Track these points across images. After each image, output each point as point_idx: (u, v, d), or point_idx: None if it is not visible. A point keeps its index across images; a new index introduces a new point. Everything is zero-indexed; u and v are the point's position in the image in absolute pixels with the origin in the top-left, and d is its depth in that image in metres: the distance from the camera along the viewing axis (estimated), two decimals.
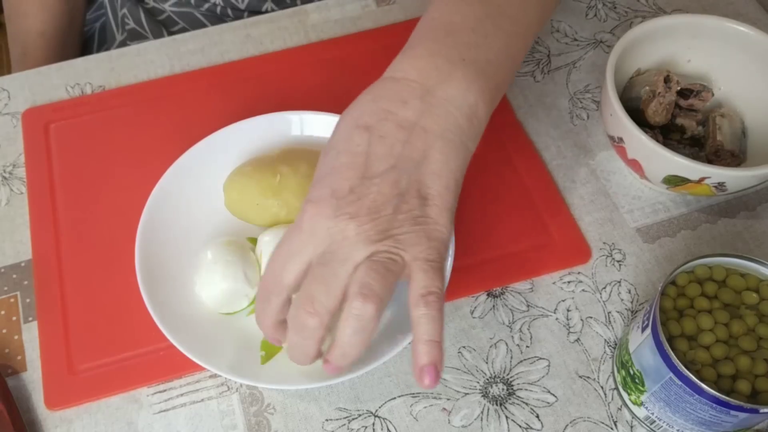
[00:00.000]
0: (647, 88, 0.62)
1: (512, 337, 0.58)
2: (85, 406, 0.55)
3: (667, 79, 0.62)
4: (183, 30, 0.86)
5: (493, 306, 0.59)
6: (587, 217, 0.64)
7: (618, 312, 0.59)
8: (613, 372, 0.56)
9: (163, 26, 0.87)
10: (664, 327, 0.48)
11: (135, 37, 0.87)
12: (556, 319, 0.59)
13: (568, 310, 0.59)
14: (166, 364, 0.56)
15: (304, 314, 0.44)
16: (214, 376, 0.56)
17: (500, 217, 0.63)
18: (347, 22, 0.76)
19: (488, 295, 0.60)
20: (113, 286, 0.60)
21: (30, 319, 0.59)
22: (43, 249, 0.62)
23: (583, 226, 0.63)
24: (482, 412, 0.55)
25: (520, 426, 0.54)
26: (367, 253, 0.43)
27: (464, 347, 0.57)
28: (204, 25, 0.86)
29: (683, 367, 0.45)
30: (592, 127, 0.69)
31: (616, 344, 0.57)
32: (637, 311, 0.59)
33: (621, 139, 0.60)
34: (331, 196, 0.44)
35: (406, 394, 0.55)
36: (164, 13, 0.86)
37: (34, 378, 0.57)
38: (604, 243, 0.62)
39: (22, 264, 0.62)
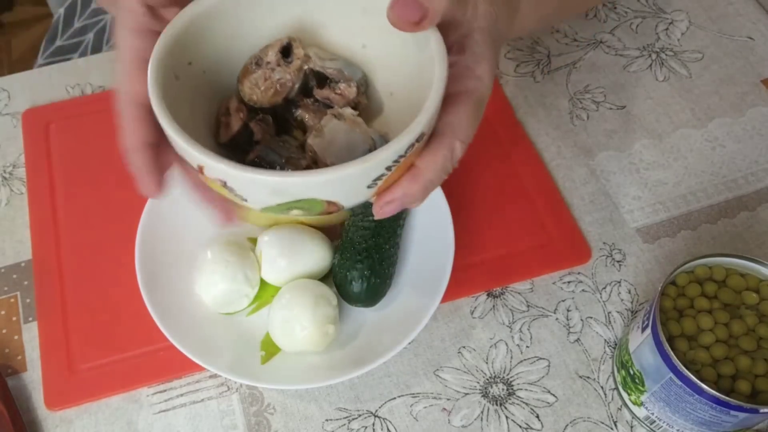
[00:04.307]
0: (257, 53, 0.44)
1: (512, 337, 0.58)
2: (85, 406, 0.55)
3: (287, 50, 0.44)
4: None
5: (493, 306, 0.59)
6: (587, 217, 0.64)
7: (618, 312, 0.59)
8: (613, 372, 0.56)
9: None
10: (664, 327, 0.48)
11: None
12: (556, 319, 0.59)
13: (568, 310, 0.59)
14: (166, 364, 0.56)
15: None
16: (214, 376, 0.56)
17: (500, 217, 0.63)
18: None
19: (488, 295, 0.60)
20: (113, 286, 0.60)
21: (30, 319, 0.59)
22: (43, 249, 0.62)
23: (583, 226, 0.63)
24: (482, 412, 0.55)
25: (520, 426, 0.54)
26: None
27: (464, 347, 0.57)
28: None
29: (683, 367, 0.45)
30: (592, 127, 0.69)
31: (616, 344, 0.57)
32: (637, 311, 0.59)
33: None
34: None
35: (406, 394, 0.55)
36: None
37: (34, 378, 0.57)
38: (604, 243, 0.62)
39: (22, 264, 0.62)
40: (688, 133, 0.68)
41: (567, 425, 0.54)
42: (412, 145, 0.37)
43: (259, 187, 0.37)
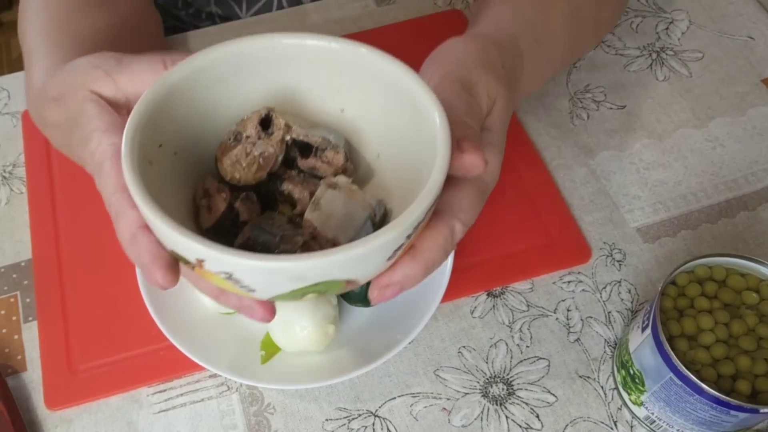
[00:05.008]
0: (234, 127, 0.42)
1: (512, 337, 0.58)
2: (85, 406, 0.55)
3: (266, 122, 0.41)
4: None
5: (493, 306, 0.59)
6: (587, 217, 0.64)
7: (618, 312, 0.59)
8: (613, 372, 0.56)
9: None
10: (664, 327, 0.48)
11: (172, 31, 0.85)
12: (556, 319, 0.59)
13: (568, 310, 0.59)
14: (166, 364, 0.56)
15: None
16: (214, 376, 0.56)
17: (500, 217, 0.63)
18: (347, 22, 0.76)
19: (488, 295, 0.60)
20: (113, 286, 0.60)
21: (30, 319, 0.59)
22: (43, 249, 0.62)
23: (583, 226, 0.63)
24: (482, 412, 0.55)
25: (520, 426, 0.54)
26: None
27: (464, 347, 0.57)
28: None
29: (683, 367, 0.45)
30: (592, 127, 0.69)
31: (616, 344, 0.57)
32: (637, 311, 0.59)
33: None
34: None
35: (406, 394, 0.55)
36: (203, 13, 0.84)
37: (34, 378, 0.57)
38: (604, 243, 0.62)
39: (22, 264, 0.62)
40: (688, 132, 0.68)
41: (567, 425, 0.54)
42: (430, 208, 0.35)
43: (275, 275, 0.33)
